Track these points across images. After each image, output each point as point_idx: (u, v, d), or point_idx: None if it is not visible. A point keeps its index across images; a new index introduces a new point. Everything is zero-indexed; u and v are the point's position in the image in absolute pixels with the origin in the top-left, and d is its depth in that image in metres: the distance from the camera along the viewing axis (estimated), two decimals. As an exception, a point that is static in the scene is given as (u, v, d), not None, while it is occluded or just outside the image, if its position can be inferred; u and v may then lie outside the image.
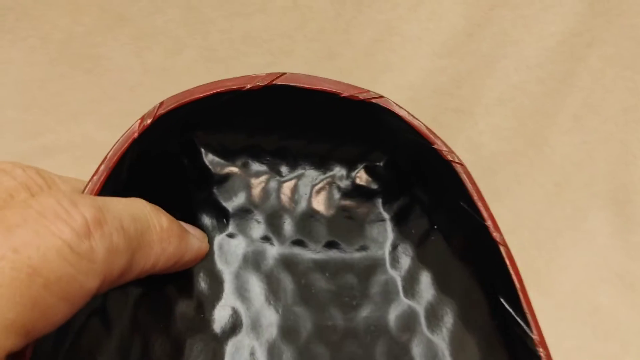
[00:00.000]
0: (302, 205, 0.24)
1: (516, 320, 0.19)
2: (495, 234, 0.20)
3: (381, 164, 0.24)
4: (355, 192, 0.25)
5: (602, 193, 0.45)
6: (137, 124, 0.20)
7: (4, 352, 0.14)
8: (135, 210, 0.18)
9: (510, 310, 0.20)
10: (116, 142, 0.20)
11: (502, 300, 0.20)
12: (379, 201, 0.25)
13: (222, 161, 0.24)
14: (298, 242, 0.24)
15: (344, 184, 0.25)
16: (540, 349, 0.19)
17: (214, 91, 0.21)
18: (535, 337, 0.19)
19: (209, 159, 0.24)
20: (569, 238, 0.44)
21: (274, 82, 0.21)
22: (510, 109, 0.46)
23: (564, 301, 0.41)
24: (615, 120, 0.46)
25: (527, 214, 0.45)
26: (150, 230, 0.18)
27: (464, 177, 0.21)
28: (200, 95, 0.21)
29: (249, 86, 0.21)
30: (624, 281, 0.42)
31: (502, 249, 0.20)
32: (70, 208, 0.15)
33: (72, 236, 0.15)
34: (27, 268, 0.13)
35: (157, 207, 0.20)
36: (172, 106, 0.21)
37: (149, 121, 0.20)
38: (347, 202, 0.24)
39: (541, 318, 0.41)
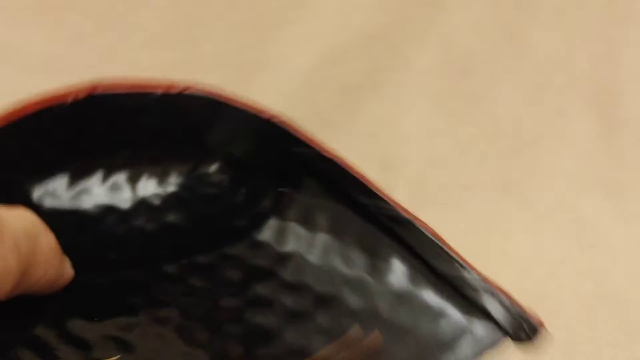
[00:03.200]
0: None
1: (376, 204, 0.22)
2: (325, 153, 0.22)
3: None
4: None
5: (585, 95, 0.41)
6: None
7: None
8: (29, 227, 0.18)
9: (364, 199, 0.22)
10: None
11: (360, 199, 0.22)
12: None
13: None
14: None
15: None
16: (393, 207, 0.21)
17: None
18: (389, 205, 0.21)
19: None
20: (550, 144, 0.40)
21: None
22: (488, 1, 0.41)
23: (546, 212, 0.38)
24: (600, 15, 0.43)
25: (506, 118, 0.41)
26: (39, 249, 0.18)
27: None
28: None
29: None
30: (608, 189, 0.39)
31: (336, 160, 0.22)
32: None
33: None
34: None
35: (44, 223, 0.19)
36: None
37: None
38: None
39: (522, 230, 0.38)
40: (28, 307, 0.19)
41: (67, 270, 0.20)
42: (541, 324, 0.19)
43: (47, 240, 0.18)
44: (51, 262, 0.19)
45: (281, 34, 0.41)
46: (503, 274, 0.20)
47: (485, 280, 0.20)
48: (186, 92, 0.22)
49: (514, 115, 0.41)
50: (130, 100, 0.22)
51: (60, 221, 0.20)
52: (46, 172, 0.22)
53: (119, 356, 0.19)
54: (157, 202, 0.24)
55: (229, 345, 0.21)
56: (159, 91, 0.22)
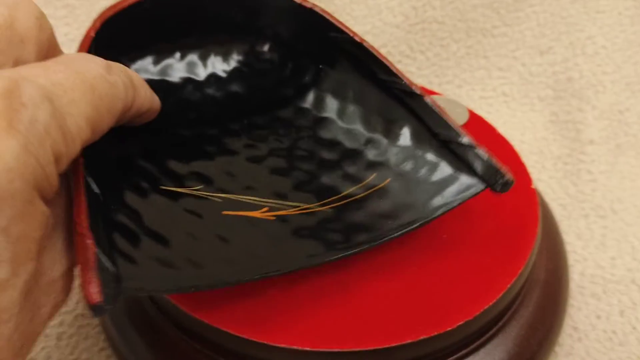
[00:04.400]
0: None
1: (393, 80, 0.27)
2: (356, 38, 0.28)
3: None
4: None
5: None
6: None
7: (82, 141, 0.18)
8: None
9: (384, 76, 0.28)
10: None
11: (381, 76, 0.28)
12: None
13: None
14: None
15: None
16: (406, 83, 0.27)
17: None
18: (404, 81, 0.27)
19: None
20: None
21: None
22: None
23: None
24: None
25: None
26: (136, 76, 0.22)
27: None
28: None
29: None
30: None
31: (364, 44, 0.28)
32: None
33: (103, 70, 0.19)
34: (89, 83, 0.18)
35: None
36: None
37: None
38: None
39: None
40: (129, 144, 0.25)
41: (156, 101, 0.25)
42: (512, 178, 0.25)
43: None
44: (146, 86, 0.23)
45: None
46: None
47: (473, 142, 0.25)
48: None
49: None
50: None
51: (154, 85, 0.25)
52: (138, 53, 0.28)
53: (201, 186, 0.25)
54: (223, 75, 0.30)
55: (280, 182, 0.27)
56: None
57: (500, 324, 0.27)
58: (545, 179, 0.39)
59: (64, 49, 0.39)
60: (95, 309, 0.16)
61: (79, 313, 0.32)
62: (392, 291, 0.25)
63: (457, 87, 0.45)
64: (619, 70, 0.43)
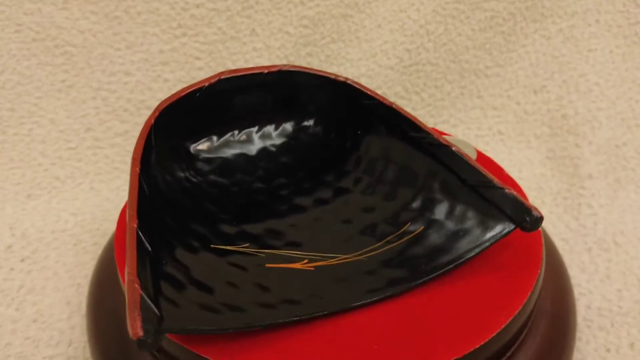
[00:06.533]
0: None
1: (422, 136, 0.30)
2: (386, 102, 0.31)
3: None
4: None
5: None
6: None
7: None
8: None
9: (414, 133, 0.30)
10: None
11: (409, 133, 0.30)
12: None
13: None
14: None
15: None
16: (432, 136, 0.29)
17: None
18: (432, 135, 0.29)
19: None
20: None
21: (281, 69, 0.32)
22: None
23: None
24: None
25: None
26: None
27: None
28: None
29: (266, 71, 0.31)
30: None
31: (394, 106, 0.31)
32: None
33: None
34: None
35: None
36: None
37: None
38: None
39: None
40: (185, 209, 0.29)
41: None
42: (541, 216, 0.25)
43: None
44: None
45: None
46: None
47: (500, 184, 0.26)
48: (283, 69, 0.32)
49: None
50: (246, 79, 0.31)
51: (211, 163, 0.31)
52: (198, 137, 0.32)
53: (248, 244, 0.28)
54: (272, 149, 0.33)
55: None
56: (265, 71, 0.31)
57: (507, 355, 0.26)
58: (546, 214, 0.39)
59: (61, 95, 0.40)
60: (138, 343, 0.19)
61: (71, 355, 0.31)
62: (391, 324, 0.25)
63: (453, 127, 0.45)
64: (613, 106, 0.43)
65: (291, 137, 0.34)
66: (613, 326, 0.31)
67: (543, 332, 0.28)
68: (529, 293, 0.26)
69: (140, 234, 0.23)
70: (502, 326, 0.25)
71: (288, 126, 0.34)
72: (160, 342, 0.20)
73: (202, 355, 0.23)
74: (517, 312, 0.25)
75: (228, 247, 0.28)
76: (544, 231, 0.34)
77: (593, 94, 0.43)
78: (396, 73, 0.45)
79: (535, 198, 0.40)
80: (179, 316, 0.22)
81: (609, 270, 0.35)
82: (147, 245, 0.24)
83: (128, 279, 0.21)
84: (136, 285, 0.21)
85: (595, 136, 0.42)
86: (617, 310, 0.32)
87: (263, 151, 0.33)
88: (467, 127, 0.45)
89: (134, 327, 0.19)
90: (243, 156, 0.33)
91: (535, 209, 0.25)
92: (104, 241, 0.38)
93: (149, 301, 0.21)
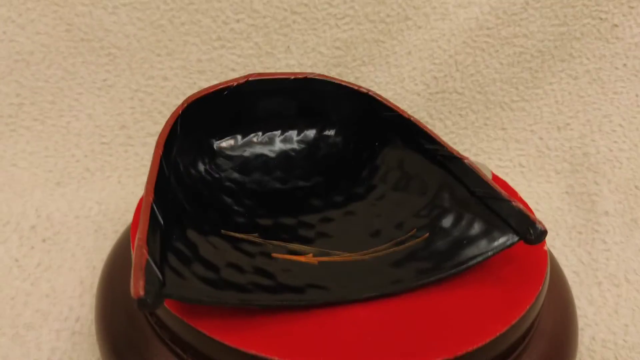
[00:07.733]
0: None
1: (436, 148, 0.30)
2: (404, 114, 0.32)
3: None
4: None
5: None
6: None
7: None
8: None
9: (429, 145, 0.31)
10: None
11: (424, 145, 0.31)
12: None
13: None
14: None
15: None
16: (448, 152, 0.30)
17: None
18: (445, 147, 0.30)
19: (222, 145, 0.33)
20: None
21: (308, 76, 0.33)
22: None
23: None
24: None
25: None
26: None
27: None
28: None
29: (292, 77, 0.33)
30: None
31: (412, 119, 0.32)
32: None
33: None
34: None
35: None
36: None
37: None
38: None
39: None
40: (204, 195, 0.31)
41: None
42: (545, 229, 0.25)
43: None
44: None
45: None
46: None
47: (507, 197, 0.27)
48: (309, 76, 0.33)
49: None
50: (273, 83, 0.32)
51: (232, 160, 0.32)
52: (223, 134, 0.33)
53: (257, 234, 0.29)
54: (293, 154, 0.34)
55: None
56: (292, 77, 0.33)
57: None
58: (559, 247, 0.39)
59: (101, 93, 0.42)
60: (138, 302, 0.20)
61: (77, 330, 0.32)
62: (388, 320, 0.25)
63: (474, 156, 0.45)
64: (635, 148, 0.43)
65: (312, 145, 0.35)
66: (617, 359, 0.31)
67: (542, 351, 0.28)
68: (528, 306, 0.26)
69: (154, 207, 0.24)
70: (498, 334, 0.25)
71: (310, 133, 0.35)
72: (160, 305, 0.21)
73: (198, 329, 0.24)
74: (514, 322, 0.26)
75: (237, 235, 0.29)
76: (554, 259, 0.34)
77: (615, 135, 0.43)
78: (422, 99, 0.46)
79: (550, 230, 0.40)
80: (181, 285, 0.23)
81: (617, 305, 0.34)
82: (160, 219, 0.25)
83: (137, 244, 0.22)
84: (144, 250, 0.21)
85: (615, 175, 0.42)
86: (622, 344, 0.32)
87: (283, 154, 0.34)
88: (489, 157, 0.45)
89: (136, 287, 0.20)
90: (263, 157, 0.34)
91: (540, 222, 0.26)
92: (124, 229, 0.40)
93: (154, 266, 0.21)
